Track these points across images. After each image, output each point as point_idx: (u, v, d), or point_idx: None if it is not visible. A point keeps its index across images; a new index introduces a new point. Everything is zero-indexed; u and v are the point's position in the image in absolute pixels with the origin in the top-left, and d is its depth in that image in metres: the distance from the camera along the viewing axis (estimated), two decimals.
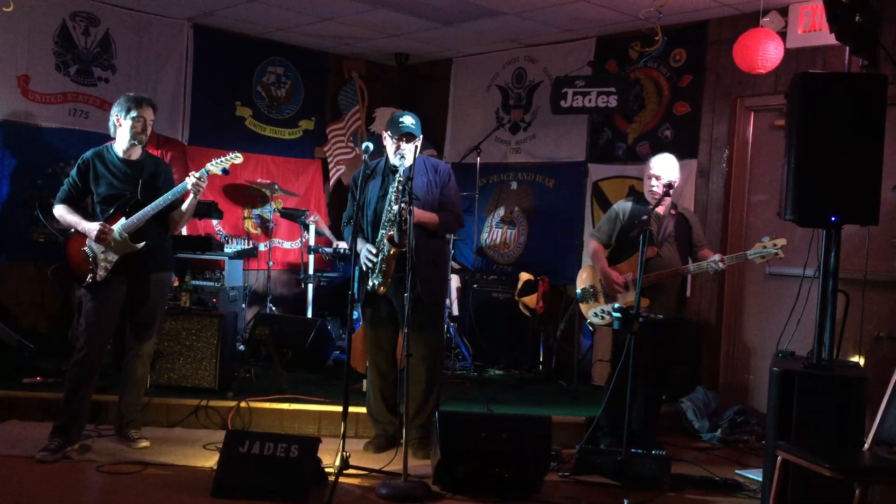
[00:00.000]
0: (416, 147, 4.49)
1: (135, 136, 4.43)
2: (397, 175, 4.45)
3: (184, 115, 7.11)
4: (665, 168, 4.76)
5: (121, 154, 4.48)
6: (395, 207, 4.41)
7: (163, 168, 4.61)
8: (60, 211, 4.49)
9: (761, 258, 4.52)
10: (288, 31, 7.23)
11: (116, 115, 4.46)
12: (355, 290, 4.45)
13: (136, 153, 4.52)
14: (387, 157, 4.63)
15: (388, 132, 4.57)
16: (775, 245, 4.48)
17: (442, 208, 4.66)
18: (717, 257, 4.64)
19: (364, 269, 4.59)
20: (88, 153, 4.54)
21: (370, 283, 4.54)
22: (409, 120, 4.52)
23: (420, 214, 4.47)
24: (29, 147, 6.33)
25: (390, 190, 4.49)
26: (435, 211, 4.63)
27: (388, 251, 4.44)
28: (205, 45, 7.18)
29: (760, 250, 4.51)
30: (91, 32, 6.60)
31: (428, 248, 4.59)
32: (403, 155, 4.48)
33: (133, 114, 4.41)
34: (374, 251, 4.51)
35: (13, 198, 6.24)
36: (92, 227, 4.37)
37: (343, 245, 7.00)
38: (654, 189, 4.74)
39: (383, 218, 4.52)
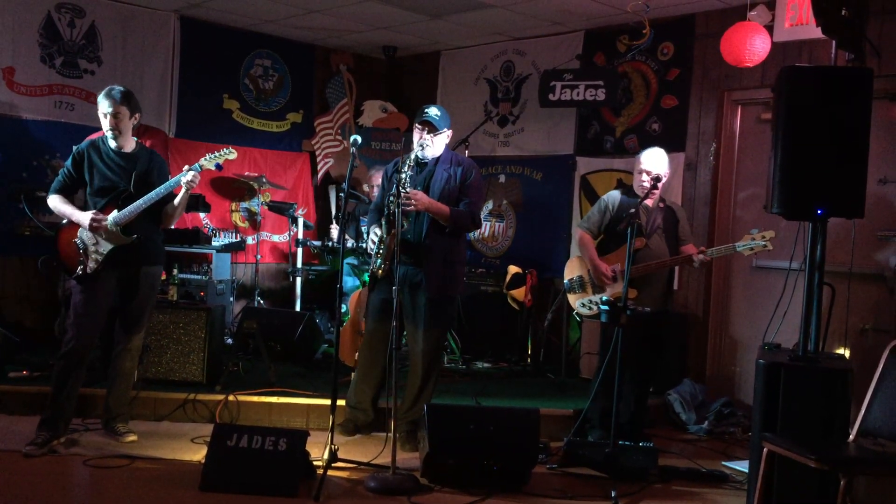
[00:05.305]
0: (436, 138, 4.52)
1: (109, 130, 4.40)
2: (408, 161, 4.45)
3: (171, 108, 7.08)
4: (654, 162, 4.77)
5: (114, 146, 4.45)
6: (403, 191, 4.40)
7: (157, 162, 4.57)
8: (54, 202, 4.46)
9: (750, 250, 4.54)
10: (275, 23, 7.20)
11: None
12: (344, 285, 4.46)
13: (130, 145, 4.49)
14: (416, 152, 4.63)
15: (416, 122, 4.62)
16: (764, 237, 4.50)
17: (458, 204, 4.60)
18: (692, 254, 4.67)
19: (368, 248, 4.64)
20: (84, 143, 4.50)
21: (373, 265, 4.56)
22: (433, 111, 4.56)
23: (429, 203, 4.44)
24: (14, 140, 6.29)
25: (397, 178, 4.46)
26: (451, 205, 4.56)
27: (388, 233, 4.45)
28: (191, 38, 7.14)
29: (749, 242, 4.53)
30: (76, 24, 6.56)
31: (439, 244, 4.54)
32: (423, 145, 4.50)
33: (101, 110, 4.39)
34: (378, 233, 4.55)
35: None
36: (85, 217, 4.34)
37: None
38: (644, 184, 4.76)
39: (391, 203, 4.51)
